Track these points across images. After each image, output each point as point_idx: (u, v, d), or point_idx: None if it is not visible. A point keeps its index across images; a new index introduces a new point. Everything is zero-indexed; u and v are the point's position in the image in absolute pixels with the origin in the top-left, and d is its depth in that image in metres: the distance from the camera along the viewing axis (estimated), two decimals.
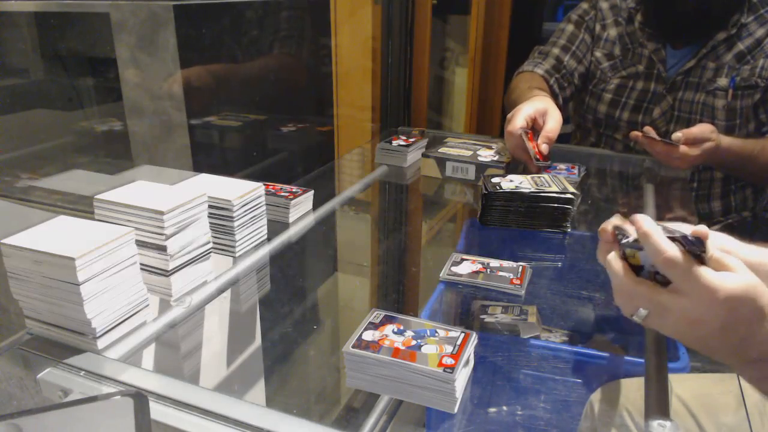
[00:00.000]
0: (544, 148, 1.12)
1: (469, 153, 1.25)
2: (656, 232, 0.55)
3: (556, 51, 1.42)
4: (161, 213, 0.70)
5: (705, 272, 0.53)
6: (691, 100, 1.29)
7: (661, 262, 0.54)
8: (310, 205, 1.05)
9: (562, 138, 1.46)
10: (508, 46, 2.14)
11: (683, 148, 1.14)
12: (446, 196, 1.30)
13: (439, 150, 1.27)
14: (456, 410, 0.56)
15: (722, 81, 1.26)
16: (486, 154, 1.24)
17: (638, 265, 0.59)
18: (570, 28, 1.43)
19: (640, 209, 1.13)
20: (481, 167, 1.20)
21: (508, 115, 1.17)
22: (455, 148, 1.28)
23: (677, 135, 1.15)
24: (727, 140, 1.19)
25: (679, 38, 1.30)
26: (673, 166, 1.20)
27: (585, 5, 1.43)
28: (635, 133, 1.19)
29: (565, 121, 1.51)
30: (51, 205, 1.18)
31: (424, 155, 1.27)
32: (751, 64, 1.24)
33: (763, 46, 1.24)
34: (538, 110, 1.15)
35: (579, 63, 1.41)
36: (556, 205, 0.98)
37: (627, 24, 1.36)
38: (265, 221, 0.92)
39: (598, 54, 1.39)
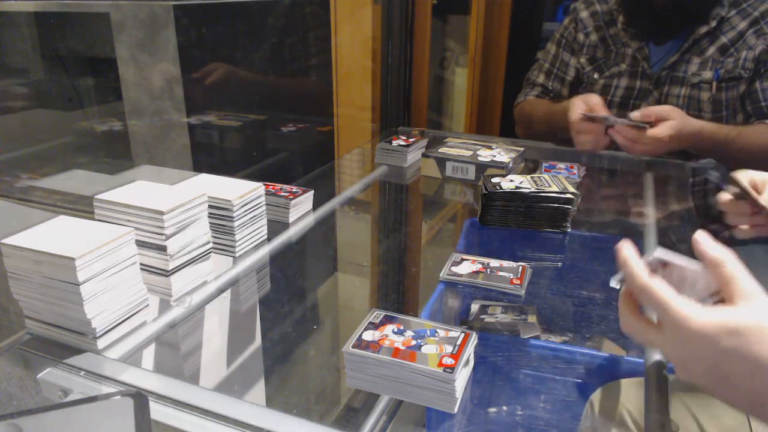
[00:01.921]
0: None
1: (469, 153, 1.25)
2: (633, 260, 0.50)
3: (540, 79, 1.52)
4: (161, 213, 0.70)
5: (676, 302, 0.46)
6: (677, 94, 1.32)
7: (636, 291, 0.49)
8: (310, 205, 1.05)
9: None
10: (508, 46, 2.14)
11: (651, 131, 1.16)
12: (446, 196, 1.30)
13: (439, 150, 1.27)
14: (456, 410, 0.56)
15: (707, 74, 1.29)
16: (486, 154, 1.25)
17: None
18: (553, 49, 1.51)
19: (640, 205, 1.13)
20: (481, 167, 1.20)
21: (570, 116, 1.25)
22: (455, 148, 1.28)
23: (635, 114, 1.19)
24: (699, 123, 1.21)
25: (660, 34, 1.33)
26: (642, 153, 1.22)
27: (566, 20, 1.50)
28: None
29: None
30: (51, 205, 1.18)
31: (424, 155, 1.27)
32: (734, 56, 1.27)
33: (746, 39, 1.26)
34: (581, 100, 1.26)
35: (563, 83, 1.50)
36: (556, 205, 0.98)
37: (608, 26, 1.41)
38: (265, 221, 0.92)
39: (582, 60, 1.45)
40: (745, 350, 0.43)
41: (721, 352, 0.44)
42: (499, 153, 1.25)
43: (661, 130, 1.17)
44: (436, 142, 1.36)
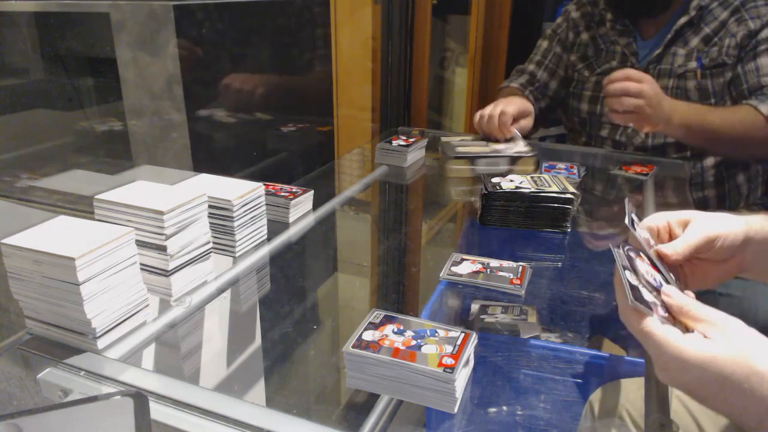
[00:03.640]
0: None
1: (488, 149, 1.31)
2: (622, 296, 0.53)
3: (530, 68, 1.57)
4: (161, 213, 0.70)
5: (661, 334, 0.50)
6: (665, 86, 1.35)
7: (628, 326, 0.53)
8: (310, 205, 1.05)
9: (559, 138, 1.48)
10: (508, 46, 2.14)
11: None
12: (446, 196, 1.30)
13: (457, 149, 1.32)
14: (456, 410, 0.56)
15: (692, 64, 1.33)
16: (501, 147, 1.32)
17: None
18: (544, 44, 1.57)
19: (639, 205, 1.13)
20: (509, 159, 1.28)
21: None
22: (469, 146, 1.34)
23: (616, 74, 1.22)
24: (672, 101, 1.24)
25: (641, 14, 1.37)
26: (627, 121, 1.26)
27: (559, 19, 1.56)
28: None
29: (552, 123, 1.68)
30: (51, 205, 1.18)
31: (454, 157, 1.31)
32: (718, 45, 1.30)
33: (728, 27, 1.29)
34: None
35: (552, 75, 1.55)
36: (556, 205, 0.98)
37: (599, 26, 1.46)
38: (265, 221, 0.92)
39: (573, 58, 1.50)
40: (719, 375, 0.47)
41: (707, 379, 0.48)
42: (513, 144, 1.32)
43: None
44: (435, 143, 1.37)
